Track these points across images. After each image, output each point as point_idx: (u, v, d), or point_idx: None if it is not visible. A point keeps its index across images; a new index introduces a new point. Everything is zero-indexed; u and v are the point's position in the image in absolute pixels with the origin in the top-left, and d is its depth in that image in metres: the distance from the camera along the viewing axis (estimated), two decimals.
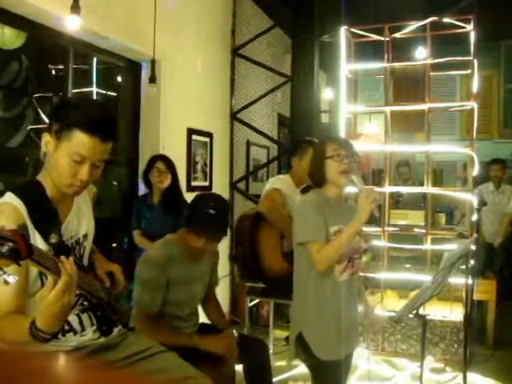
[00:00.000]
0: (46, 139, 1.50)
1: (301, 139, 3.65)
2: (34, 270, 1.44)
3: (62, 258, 1.28)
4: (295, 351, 2.24)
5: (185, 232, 2.34)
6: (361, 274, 3.73)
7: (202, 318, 2.64)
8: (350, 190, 2.45)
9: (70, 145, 1.47)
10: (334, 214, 2.17)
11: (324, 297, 2.17)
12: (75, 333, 1.62)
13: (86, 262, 1.70)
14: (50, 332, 1.28)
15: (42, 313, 1.27)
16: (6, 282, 1.12)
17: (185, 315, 2.42)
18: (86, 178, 1.50)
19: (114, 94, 3.88)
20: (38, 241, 1.43)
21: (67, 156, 1.47)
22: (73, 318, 1.61)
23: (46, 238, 1.44)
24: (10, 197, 1.47)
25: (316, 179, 2.26)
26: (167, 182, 3.49)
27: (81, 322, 1.64)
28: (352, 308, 2.26)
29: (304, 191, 2.39)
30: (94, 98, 3.66)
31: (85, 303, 1.63)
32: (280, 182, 3.27)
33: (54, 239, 1.44)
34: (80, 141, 1.46)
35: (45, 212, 1.49)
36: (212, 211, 2.26)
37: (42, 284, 1.45)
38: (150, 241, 3.23)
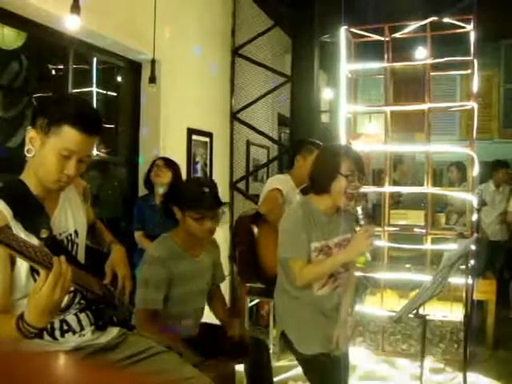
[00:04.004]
0: (31, 135, 1.49)
1: (305, 139, 3.60)
2: (22, 269, 1.44)
3: (59, 257, 1.30)
4: (281, 347, 2.30)
5: (182, 225, 2.35)
6: (360, 273, 3.80)
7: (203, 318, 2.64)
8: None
9: (59, 140, 1.46)
10: (320, 229, 2.14)
11: (303, 301, 2.21)
12: (74, 332, 1.62)
13: (81, 258, 1.68)
14: (36, 326, 1.30)
15: (31, 306, 1.29)
16: None
17: (190, 311, 2.42)
18: (73, 173, 1.51)
19: (114, 94, 3.87)
20: None
21: (55, 151, 1.47)
22: (71, 318, 1.61)
23: (36, 234, 1.44)
24: None
25: (317, 187, 2.18)
26: (166, 178, 3.46)
27: (79, 322, 1.64)
28: (335, 309, 2.26)
29: (304, 192, 2.38)
30: (94, 98, 3.66)
31: (82, 302, 1.62)
32: (280, 182, 3.26)
33: (44, 234, 1.44)
34: (69, 136, 1.46)
35: (31, 210, 1.48)
36: (201, 184, 2.40)
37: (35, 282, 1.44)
38: None
